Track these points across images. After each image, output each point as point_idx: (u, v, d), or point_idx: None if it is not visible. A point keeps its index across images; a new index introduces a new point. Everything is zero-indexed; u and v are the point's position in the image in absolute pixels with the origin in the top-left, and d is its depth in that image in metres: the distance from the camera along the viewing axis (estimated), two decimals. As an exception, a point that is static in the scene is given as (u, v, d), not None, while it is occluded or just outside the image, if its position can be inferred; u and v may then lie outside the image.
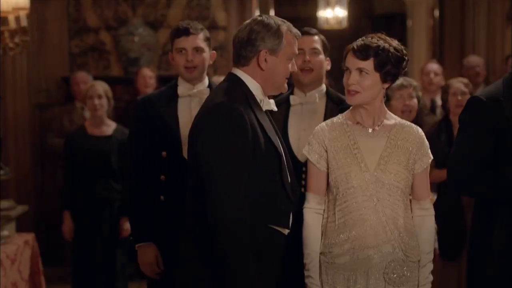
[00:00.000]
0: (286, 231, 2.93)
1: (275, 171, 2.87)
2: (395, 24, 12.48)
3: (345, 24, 11.15)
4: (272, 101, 3.00)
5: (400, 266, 2.98)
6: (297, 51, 2.99)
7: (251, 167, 2.78)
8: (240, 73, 2.93)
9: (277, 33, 2.89)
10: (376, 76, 2.95)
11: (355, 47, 2.97)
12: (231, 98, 2.83)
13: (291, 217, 2.96)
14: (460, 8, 7.73)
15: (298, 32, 2.98)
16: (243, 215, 2.73)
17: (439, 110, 6.25)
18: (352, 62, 2.98)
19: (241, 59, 2.93)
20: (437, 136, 4.90)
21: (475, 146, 2.95)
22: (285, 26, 2.93)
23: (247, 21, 2.95)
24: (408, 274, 2.99)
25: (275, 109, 3.02)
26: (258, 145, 2.81)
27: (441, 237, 4.62)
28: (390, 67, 2.95)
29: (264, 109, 2.95)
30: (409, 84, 4.32)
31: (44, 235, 6.79)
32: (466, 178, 2.97)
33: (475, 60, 7.01)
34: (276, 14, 8.25)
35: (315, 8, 11.46)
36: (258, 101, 2.93)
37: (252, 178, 2.79)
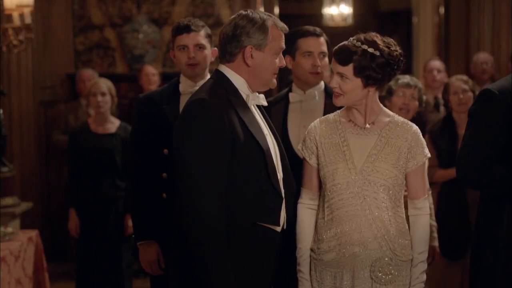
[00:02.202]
0: (277, 229, 2.89)
1: (260, 167, 2.81)
2: (400, 21, 12.48)
3: (350, 21, 11.14)
4: (262, 95, 2.94)
5: (387, 264, 2.93)
6: (284, 46, 2.91)
7: (230, 163, 2.73)
8: (225, 69, 2.89)
9: (262, 27, 2.82)
10: (357, 81, 2.90)
11: (337, 49, 2.93)
12: (208, 95, 2.78)
13: (283, 214, 2.91)
14: (465, 5, 7.72)
15: (285, 26, 2.91)
16: (213, 212, 2.68)
17: (442, 108, 6.24)
18: (334, 65, 2.94)
19: (226, 55, 2.87)
20: (441, 135, 4.86)
21: (485, 139, 2.91)
22: (271, 20, 2.86)
23: (232, 16, 2.90)
24: (396, 273, 2.94)
25: (265, 103, 2.96)
26: (237, 141, 2.75)
27: (445, 236, 4.60)
28: (371, 72, 2.88)
29: (250, 104, 2.89)
30: (414, 85, 4.23)
31: (50, 231, 6.81)
32: (473, 172, 2.93)
33: (484, 56, 7.01)
34: (280, 11, 8.27)
35: (320, 5, 11.45)
36: (244, 96, 2.87)
37: (233, 175, 2.74)
